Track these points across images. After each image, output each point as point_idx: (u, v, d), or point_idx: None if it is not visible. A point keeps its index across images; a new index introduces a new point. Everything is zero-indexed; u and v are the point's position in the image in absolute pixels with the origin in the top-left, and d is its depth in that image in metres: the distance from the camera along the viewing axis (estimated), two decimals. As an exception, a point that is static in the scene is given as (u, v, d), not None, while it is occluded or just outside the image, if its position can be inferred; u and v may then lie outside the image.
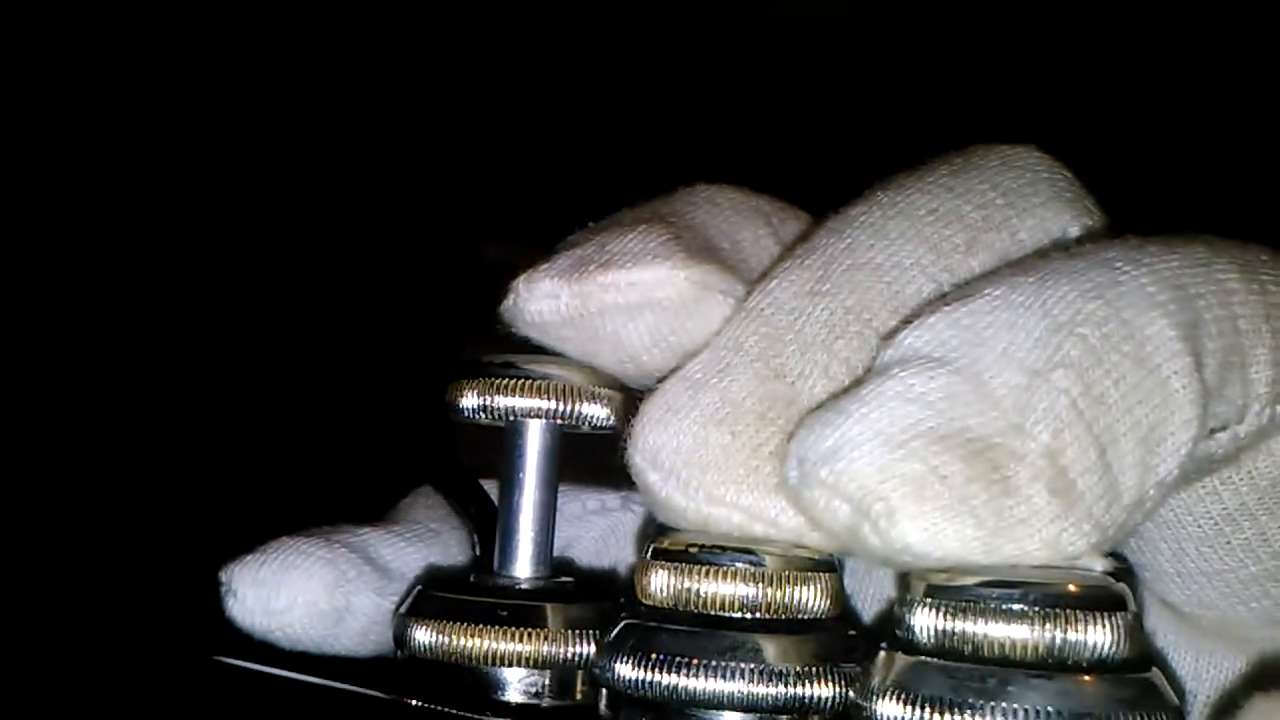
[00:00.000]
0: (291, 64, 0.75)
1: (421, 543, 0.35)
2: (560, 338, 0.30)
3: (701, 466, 0.26)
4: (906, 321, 0.26)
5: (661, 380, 0.29)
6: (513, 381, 0.31)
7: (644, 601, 0.27)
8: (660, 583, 0.27)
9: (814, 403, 0.26)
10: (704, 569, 0.27)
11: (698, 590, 0.27)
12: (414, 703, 0.28)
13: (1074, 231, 0.29)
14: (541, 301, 0.30)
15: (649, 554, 0.28)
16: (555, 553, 0.37)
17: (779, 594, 0.27)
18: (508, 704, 0.30)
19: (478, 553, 0.35)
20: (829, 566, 0.28)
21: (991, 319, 0.25)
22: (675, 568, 0.27)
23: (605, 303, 0.29)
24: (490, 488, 0.36)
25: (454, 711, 0.28)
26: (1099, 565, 0.25)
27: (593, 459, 0.37)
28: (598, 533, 0.39)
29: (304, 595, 0.32)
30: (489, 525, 0.34)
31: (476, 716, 0.28)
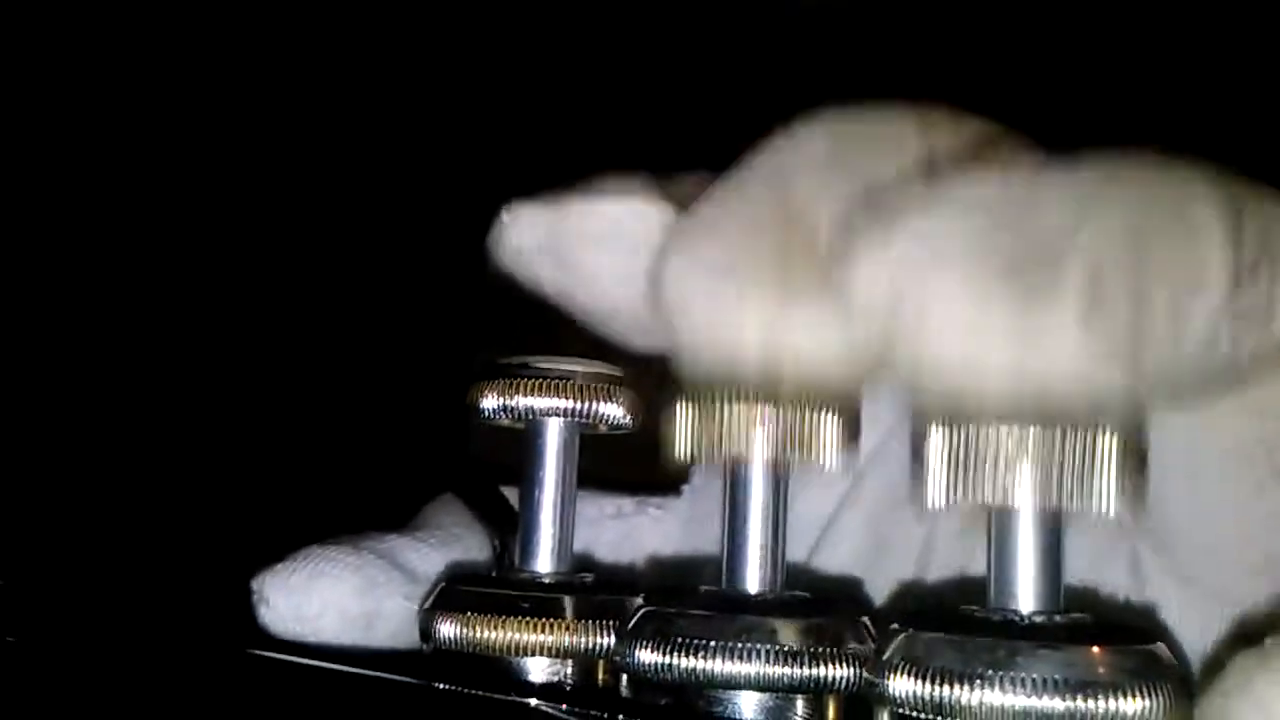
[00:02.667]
0: (306, 78, 0.76)
1: (445, 547, 0.36)
2: (536, 268, 0.31)
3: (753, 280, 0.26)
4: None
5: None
6: (531, 381, 0.32)
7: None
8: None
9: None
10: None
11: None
12: (442, 686, 0.29)
13: None
14: (522, 229, 0.31)
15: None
16: (575, 554, 0.38)
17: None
18: (532, 684, 0.30)
19: (498, 554, 0.36)
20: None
21: (1043, 179, 0.25)
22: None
23: (580, 230, 0.30)
24: (509, 494, 0.37)
25: (480, 693, 0.29)
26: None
27: (609, 465, 0.38)
28: (614, 537, 0.39)
29: (335, 601, 0.33)
30: (509, 527, 0.35)
31: (502, 695, 0.29)
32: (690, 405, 0.28)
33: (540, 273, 0.31)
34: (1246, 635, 0.28)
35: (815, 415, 0.28)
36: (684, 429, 0.29)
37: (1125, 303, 0.24)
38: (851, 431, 0.29)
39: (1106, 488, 0.25)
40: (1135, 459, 0.25)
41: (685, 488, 0.40)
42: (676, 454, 0.29)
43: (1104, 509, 0.24)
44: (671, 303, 0.27)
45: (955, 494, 0.25)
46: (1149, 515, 0.30)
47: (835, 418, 0.28)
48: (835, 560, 0.35)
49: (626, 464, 0.39)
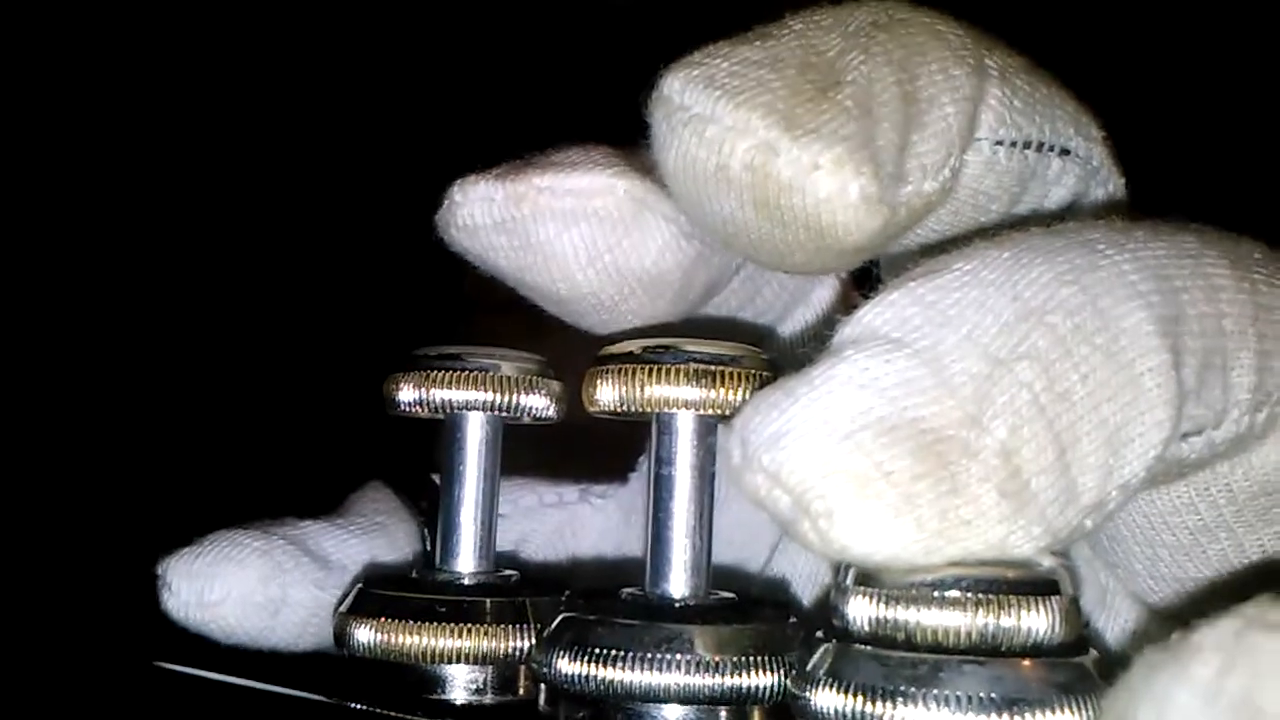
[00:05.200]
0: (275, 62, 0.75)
1: (366, 535, 0.35)
2: (491, 245, 0.29)
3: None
4: (866, 296, 0.25)
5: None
6: (450, 374, 0.30)
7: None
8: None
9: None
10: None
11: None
12: (355, 705, 0.28)
13: None
14: (475, 204, 0.29)
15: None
16: (510, 546, 0.36)
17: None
18: (450, 703, 0.29)
19: (428, 547, 0.35)
20: (771, 367, 0.28)
21: (958, 297, 0.23)
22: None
23: (540, 206, 0.28)
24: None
25: (394, 714, 0.27)
26: (1047, 562, 0.24)
27: (551, 450, 0.37)
28: (553, 526, 0.38)
29: (238, 587, 0.32)
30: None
31: (415, 718, 0.27)
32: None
33: (495, 252, 0.29)
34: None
35: None
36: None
37: (1050, 478, 0.23)
38: None
39: (1037, 626, 0.24)
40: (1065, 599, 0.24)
41: (632, 475, 0.38)
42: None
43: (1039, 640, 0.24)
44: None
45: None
46: (1113, 568, 0.29)
47: None
48: (792, 568, 0.34)
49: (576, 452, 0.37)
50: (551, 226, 0.28)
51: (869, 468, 0.22)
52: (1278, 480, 0.26)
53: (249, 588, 0.32)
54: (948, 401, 0.22)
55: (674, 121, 0.25)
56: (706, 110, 0.25)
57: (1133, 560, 0.28)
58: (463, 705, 0.29)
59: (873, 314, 0.24)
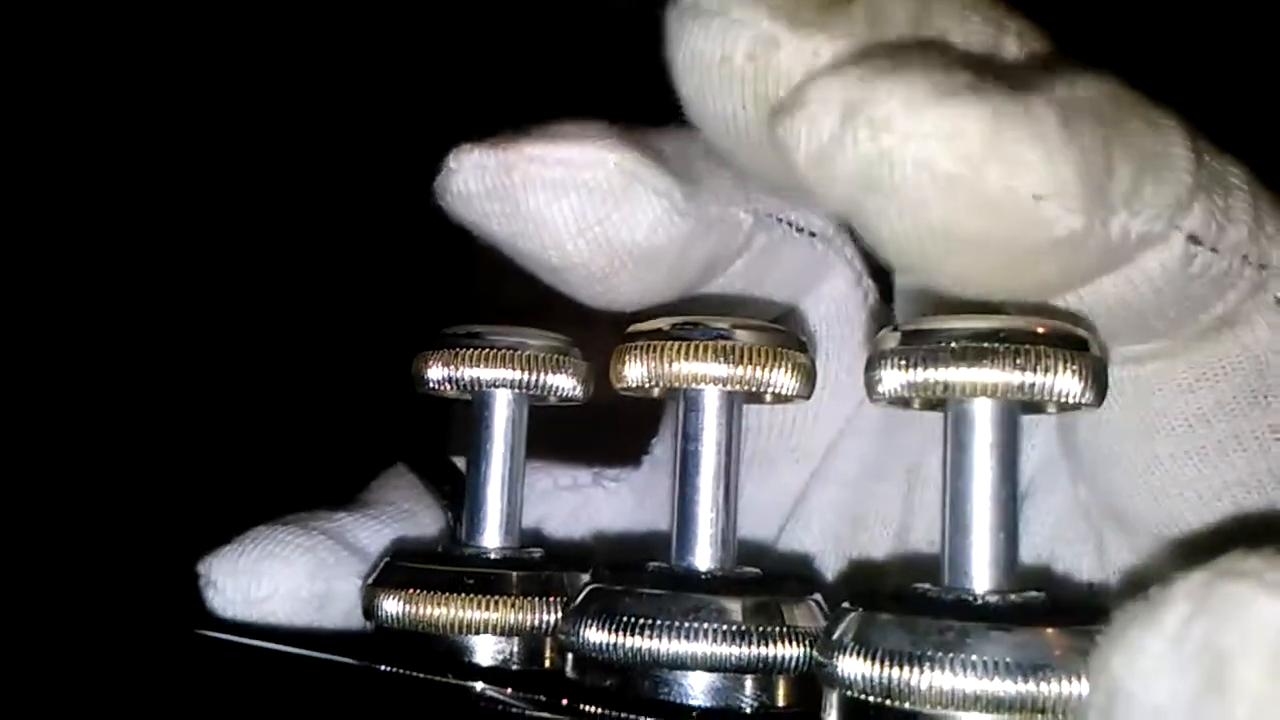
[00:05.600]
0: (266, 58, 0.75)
1: (397, 523, 0.35)
2: (484, 213, 0.29)
3: None
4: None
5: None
6: (478, 352, 0.31)
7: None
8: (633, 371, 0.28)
9: None
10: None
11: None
12: (384, 668, 0.28)
13: None
14: (468, 172, 0.29)
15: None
16: (526, 528, 0.37)
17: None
18: (477, 666, 0.30)
19: (452, 528, 0.35)
20: (799, 345, 0.29)
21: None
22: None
23: (530, 176, 0.28)
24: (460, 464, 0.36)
25: (423, 675, 0.28)
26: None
27: (565, 436, 0.37)
28: (569, 508, 0.39)
29: (285, 583, 0.32)
30: (461, 501, 0.34)
31: (445, 679, 0.28)
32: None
33: (488, 219, 0.29)
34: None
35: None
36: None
37: (1094, 140, 0.23)
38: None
39: (1066, 384, 0.24)
40: (1095, 357, 0.25)
41: (645, 459, 0.39)
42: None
43: (1066, 400, 0.25)
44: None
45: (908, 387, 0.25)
46: (1110, 499, 0.29)
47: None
48: (806, 538, 0.35)
49: (591, 434, 0.38)
50: (541, 196, 0.29)
51: (925, 74, 0.22)
52: (1267, 359, 0.27)
53: (296, 584, 0.32)
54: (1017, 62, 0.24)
55: (685, 18, 0.26)
56: (715, 5, 0.25)
57: (1133, 475, 0.28)
58: (488, 667, 0.30)
59: None
